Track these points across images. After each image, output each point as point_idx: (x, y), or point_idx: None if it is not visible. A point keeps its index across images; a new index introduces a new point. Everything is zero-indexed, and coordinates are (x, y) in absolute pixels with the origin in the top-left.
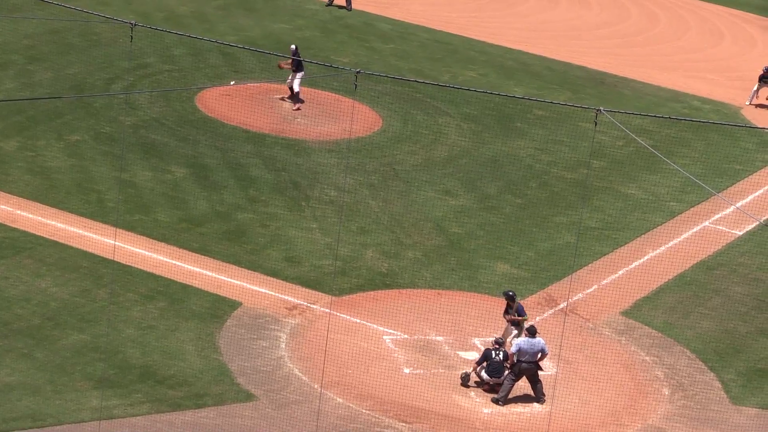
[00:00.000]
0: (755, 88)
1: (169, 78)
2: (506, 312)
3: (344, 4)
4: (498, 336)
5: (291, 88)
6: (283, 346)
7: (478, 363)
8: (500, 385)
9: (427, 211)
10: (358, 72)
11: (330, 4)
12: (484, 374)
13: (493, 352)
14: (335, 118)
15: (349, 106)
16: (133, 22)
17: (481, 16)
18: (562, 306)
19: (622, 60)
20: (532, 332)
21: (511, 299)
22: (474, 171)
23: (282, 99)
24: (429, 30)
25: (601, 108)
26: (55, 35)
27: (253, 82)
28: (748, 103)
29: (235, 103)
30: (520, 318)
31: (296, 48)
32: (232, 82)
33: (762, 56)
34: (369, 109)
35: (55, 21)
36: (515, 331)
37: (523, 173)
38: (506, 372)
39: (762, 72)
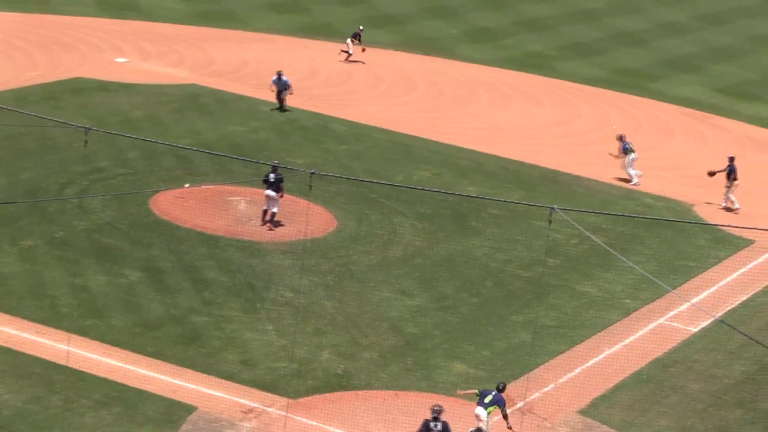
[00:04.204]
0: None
1: (123, 181)
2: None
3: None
4: (436, 404)
5: (273, 213)
6: None
7: None
8: None
9: (383, 311)
10: (312, 173)
11: (280, 108)
12: None
13: (431, 423)
14: (290, 219)
15: (304, 207)
16: (87, 126)
17: (435, 117)
18: (519, 405)
19: (575, 158)
20: None
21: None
22: (430, 270)
23: (270, 228)
24: (383, 131)
25: (555, 206)
26: (10, 141)
27: (207, 185)
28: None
29: (189, 206)
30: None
31: (277, 164)
32: (186, 185)
33: (712, 153)
34: (324, 209)
35: (11, 127)
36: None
37: (479, 272)
38: None
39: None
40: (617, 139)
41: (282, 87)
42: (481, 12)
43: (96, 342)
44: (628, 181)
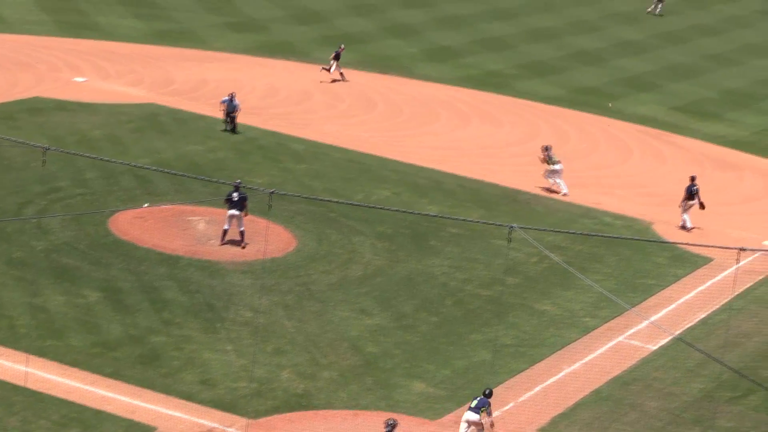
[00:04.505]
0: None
1: (82, 201)
2: None
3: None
4: (390, 418)
5: (241, 232)
6: None
7: None
8: None
9: (342, 331)
10: (272, 192)
11: (227, 129)
12: None
13: None
14: (250, 238)
15: (264, 227)
16: (45, 146)
17: (394, 135)
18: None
19: (534, 177)
20: None
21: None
22: (389, 290)
23: (243, 247)
24: (342, 149)
25: (515, 225)
26: None
27: (166, 204)
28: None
29: (148, 226)
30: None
31: (239, 183)
32: (145, 205)
33: (670, 171)
34: (283, 229)
35: None
36: None
37: (438, 291)
38: None
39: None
40: (542, 150)
41: (231, 109)
42: (439, 31)
43: (54, 363)
44: (551, 190)
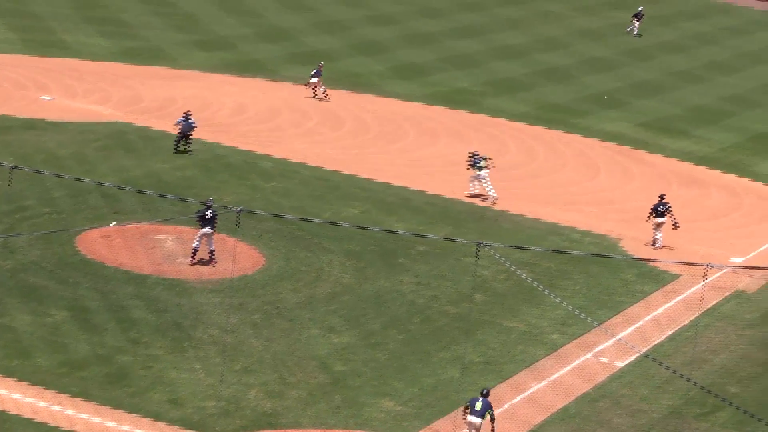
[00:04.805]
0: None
1: (49, 220)
2: None
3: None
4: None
5: (211, 251)
6: None
7: None
8: None
9: (310, 349)
10: (239, 210)
11: (176, 151)
12: None
13: None
14: (218, 257)
15: (231, 245)
16: (11, 165)
17: (362, 153)
18: None
19: (502, 194)
20: None
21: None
22: (357, 307)
23: (212, 265)
24: (310, 167)
25: (482, 242)
26: None
27: (134, 223)
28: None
29: (115, 245)
30: None
31: (211, 202)
32: (112, 223)
33: (638, 188)
34: (251, 247)
35: None
36: None
37: (407, 309)
38: None
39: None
40: (469, 155)
41: (187, 129)
42: (407, 48)
43: (21, 382)
44: (481, 197)
